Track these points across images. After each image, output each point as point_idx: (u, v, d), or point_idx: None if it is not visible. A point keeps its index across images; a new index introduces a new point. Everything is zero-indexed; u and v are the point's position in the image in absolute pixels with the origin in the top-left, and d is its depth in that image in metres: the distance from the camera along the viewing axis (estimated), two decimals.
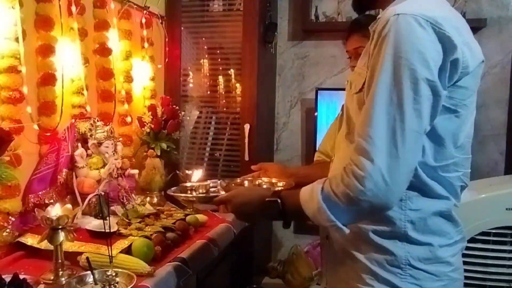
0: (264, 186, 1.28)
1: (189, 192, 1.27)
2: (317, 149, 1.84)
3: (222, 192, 1.23)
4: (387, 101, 0.85)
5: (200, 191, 1.25)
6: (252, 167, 1.46)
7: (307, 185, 0.97)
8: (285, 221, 1.03)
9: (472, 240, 1.83)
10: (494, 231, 1.85)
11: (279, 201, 1.00)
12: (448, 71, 0.87)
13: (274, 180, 1.33)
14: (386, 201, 0.86)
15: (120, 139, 1.96)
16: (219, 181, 1.31)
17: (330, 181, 0.92)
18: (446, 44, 0.86)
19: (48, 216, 1.30)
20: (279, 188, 1.27)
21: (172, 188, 1.40)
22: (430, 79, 0.85)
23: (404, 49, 0.85)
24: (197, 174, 1.39)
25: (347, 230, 0.92)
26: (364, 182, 0.84)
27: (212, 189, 1.30)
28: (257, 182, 1.34)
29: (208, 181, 1.33)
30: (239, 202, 1.09)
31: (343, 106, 1.69)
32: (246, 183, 1.33)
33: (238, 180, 1.35)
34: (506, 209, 1.85)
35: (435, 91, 0.86)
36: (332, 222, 0.90)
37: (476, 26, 2.52)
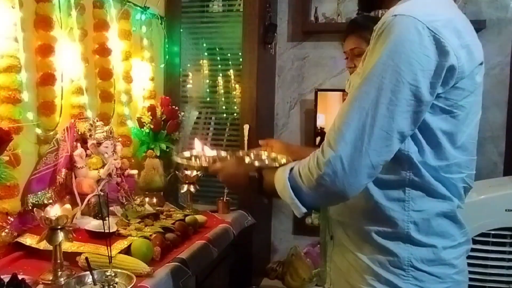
0: (266, 161, 1.35)
1: (193, 159, 1.33)
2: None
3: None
4: (366, 97, 0.86)
5: (204, 159, 1.32)
6: (260, 141, 1.52)
7: None
8: (264, 196, 1.10)
9: (472, 241, 1.83)
10: (493, 232, 1.85)
11: (258, 176, 1.07)
12: (442, 76, 0.86)
13: (275, 155, 1.39)
14: (342, 189, 0.88)
15: (120, 139, 1.96)
16: (218, 152, 1.39)
17: (300, 163, 0.96)
18: (441, 49, 0.85)
19: (47, 216, 1.30)
20: (279, 164, 1.32)
21: (180, 154, 1.46)
22: (413, 83, 0.85)
23: (394, 51, 0.85)
24: (198, 144, 1.43)
25: (303, 209, 0.96)
26: (324, 168, 0.87)
27: (208, 157, 1.37)
28: (259, 156, 1.43)
29: (214, 152, 1.40)
30: (228, 174, 1.18)
31: None
32: (251, 155, 1.40)
33: (241, 153, 1.41)
34: (506, 210, 1.85)
35: (416, 96, 0.86)
36: (292, 200, 0.95)
37: (476, 27, 2.48)
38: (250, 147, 2.51)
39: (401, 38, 0.85)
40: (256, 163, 1.29)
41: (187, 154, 1.39)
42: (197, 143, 1.42)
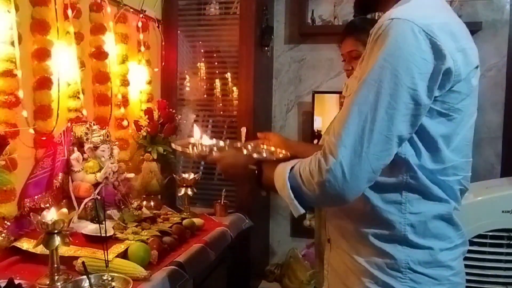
0: (264, 154, 1.35)
1: (190, 147, 1.32)
2: None
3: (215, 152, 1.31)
4: (364, 101, 0.87)
5: (202, 148, 1.32)
6: (258, 134, 1.54)
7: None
8: (262, 189, 1.10)
9: (468, 242, 1.83)
10: (490, 233, 1.85)
11: (258, 169, 1.08)
12: (439, 80, 0.87)
13: (273, 149, 1.39)
14: (342, 194, 0.88)
15: (116, 143, 1.96)
16: (217, 142, 1.40)
17: (301, 163, 0.96)
18: (438, 53, 0.86)
19: (43, 220, 1.29)
20: (276, 157, 1.35)
21: (178, 141, 1.48)
22: (411, 87, 0.85)
23: (391, 54, 0.85)
24: (197, 132, 1.45)
25: (302, 210, 0.96)
26: (325, 174, 0.88)
27: (207, 146, 1.38)
28: (258, 149, 1.44)
29: (212, 142, 1.41)
30: (227, 164, 1.18)
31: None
32: (249, 147, 1.41)
33: (239, 144, 1.42)
34: (503, 211, 1.85)
35: (415, 100, 0.86)
36: (291, 200, 0.95)
37: (472, 29, 2.50)
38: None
39: (398, 41, 0.85)
40: (255, 155, 1.30)
41: (185, 141, 1.38)
42: (196, 130, 1.42)
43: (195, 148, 1.31)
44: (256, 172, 1.08)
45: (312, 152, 0.97)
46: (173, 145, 1.39)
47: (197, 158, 1.44)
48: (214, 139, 1.42)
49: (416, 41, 0.85)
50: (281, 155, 1.34)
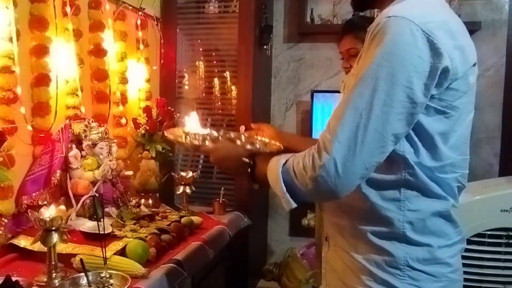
0: (257, 144, 1.34)
1: (183, 136, 1.30)
2: None
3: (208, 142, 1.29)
4: (360, 99, 0.87)
5: (195, 138, 1.29)
6: (252, 125, 1.52)
7: (295, 152, 1.00)
8: (254, 182, 1.10)
9: (467, 241, 1.83)
10: (489, 232, 1.86)
11: (251, 163, 1.07)
12: (436, 78, 0.87)
13: (267, 140, 1.38)
14: (335, 190, 0.88)
15: (115, 140, 1.95)
16: (210, 132, 1.38)
17: (295, 157, 0.96)
18: (435, 51, 0.85)
19: (41, 217, 1.29)
20: (270, 149, 1.34)
21: (171, 129, 1.44)
22: (407, 85, 0.85)
23: (388, 52, 0.85)
24: (192, 119, 1.42)
25: (293, 204, 0.96)
26: (318, 169, 0.88)
27: (200, 136, 1.34)
28: (252, 140, 1.41)
29: (206, 131, 1.37)
30: (220, 155, 1.17)
31: None
32: (242, 138, 1.38)
33: (232, 134, 1.40)
34: (501, 210, 1.86)
35: (411, 98, 0.86)
36: (283, 194, 0.95)
37: (471, 29, 2.53)
38: None
39: (395, 40, 0.85)
40: (248, 147, 1.29)
41: (178, 130, 1.36)
42: (192, 118, 1.39)
43: (187, 137, 1.29)
44: (250, 165, 1.07)
45: (306, 145, 0.97)
46: (165, 133, 1.38)
47: (190, 148, 1.43)
48: (209, 129, 1.40)
49: (414, 40, 0.84)
50: (274, 147, 1.33)
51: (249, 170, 1.07)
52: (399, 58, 0.84)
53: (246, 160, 1.08)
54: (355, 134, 0.86)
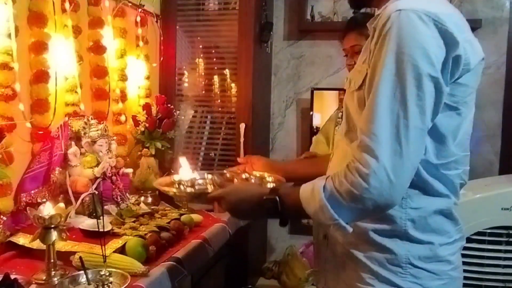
0: (252, 181, 1.24)
1: (176, 185, 1.18)
2: None
3: (210, 187, 1.18)
4: (391, 98, 0.84)
5: (188, 185, 1.17)
6: (239, 159, 1.42)
7: (295, 180, 0.96)
8: (282, 219, 1.01)
9: (467, 240, 1.83)
10: (489, 231, 1.85)
11: (277, 199, 0.97)
12: (450, 67, 0.86)
13: (265, 175, 1.28)
14: (391, 199, 0.84)
15: (114, 137, 1.94)
16: (206, 175, 1.24)
17: (332, 178, 0.89)
18: (448, 40, 0.85)
19: (40, 215, 1.28)
20: (270, 184, 1.25)
21: (160, 180, 1.31)
22: (433, 75, 0.84)
23: (406, 45, 0.84)
24: (183, 164, 1.28)
25: (350, 229, 0.90)
26: (369, 180, 0.82)
27: (199, 183, 1.21)
28: (245, 177, 1.29)
29: (196, 174, 1.24)
30: (236, 199, 1.05)
31: (339, 106, 1.67)
32: (235, 180, 1.27)
33: (227, 174, 1.29)
34: (502, 209, 1.85)
35: (437, 87, 0.85)
36: (335, 221, 0.88)
37: (471, 26, 2.48)
38: (246, 146, 2.52)
39: (411, 31, 0.84)
40: (269, 185, 1.18)
41: (168, 179, 1.22)
42: (183, 164, 1.25)
43: (181, 186, 1.15)
44: (276, 201, 0.97)
45: (303, 169, 0.94)
46: (155, 185, 1.25)
47: (189, 198, 1.30)
48: (195, 172, 1.24)
49: (428, 29, 0.84)
50: (270, 180, 1.22)
51: (276, 208, 0.97)
52: (419, 49, 0.83)
53: (271, 197, 0.98)
54: (397, 136, 0.83)
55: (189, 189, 1.15)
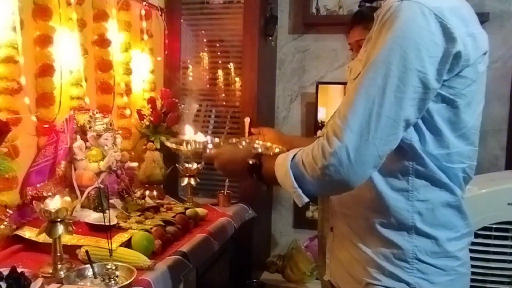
0: (259, 149, 1.33)
1: (184, 144, 1.31)
2: None
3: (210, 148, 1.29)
4: (372, 84, 0.84)
5: (196, 146, 1.30)
6: (252, 130, 1.52)
7: None
8: (263, 182, 1.07)
9: (473, 235, 1.83)
10: (495, 226, 1.84)
11: (257, 163, 1.04)
12: (449, 63, 0.85)
13: (268, 144, 1.37)
14: (347, 179, 0.86)
15: (120, 131, 1.94)
16: (211, 138, 1.38)
17: (303, 150, 0.94)
18: (448, 36, 0.84)
19: (46, 208, 1.28)
20: (260, 149, 1.34)
21: (172, 139, 1.45)
22: (420, 70, 0.83)
23: (400, 36, 0.83)
24: (189, 130, 1.45)
25: (306, 199, 0.93)
26: (329, 158, 0.85)
27: (204, 144, 1.35)
28: (253, 144, 1.41)
29: (206, 138, 1.37)
30: (225, 159, 1.15)
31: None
32: (243, 143, 1.39)
33: (234, 140, 1.40)
34: (508, 204, 1.84)
35: (424, 83, 0.84)
36: (294, 189, 0.92)
37: (478, 20, 2.50)
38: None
39: (408, 24, 0.83)
40: (253, 150, 1.27)
41: (178, 139, 1.37)
42: (188, 129, 1.39)
43: (189, 145, 1.28)
44: (256, 165, 1.04)
45: (308, 143, 0.95)
46: (166, 143, 1.37)
47: (192, 156, 1.43)
48: (208, 136, 1.39)
49: (427, 24, 0.83)
50: (277, 150, 1.31)
51: (256, 170, 1.04)
52: (412, 42, 0.83)
53: (252, 161, 1.05)
54: (367, 121, 0.84)
55: (189, 147, 1.28)
